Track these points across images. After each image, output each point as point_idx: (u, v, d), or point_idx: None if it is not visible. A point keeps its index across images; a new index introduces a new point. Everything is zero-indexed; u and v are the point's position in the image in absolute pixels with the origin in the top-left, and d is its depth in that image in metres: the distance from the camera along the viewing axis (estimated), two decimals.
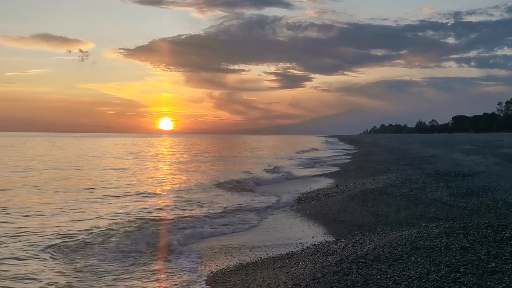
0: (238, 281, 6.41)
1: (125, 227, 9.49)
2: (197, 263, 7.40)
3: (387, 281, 5.23)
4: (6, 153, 41.47)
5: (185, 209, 11.99)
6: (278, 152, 52.04)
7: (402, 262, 5.84)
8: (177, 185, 18.03)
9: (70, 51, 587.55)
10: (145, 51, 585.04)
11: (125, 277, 6.62)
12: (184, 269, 7.02)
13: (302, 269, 6.30)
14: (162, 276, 6.71)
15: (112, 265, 7.14)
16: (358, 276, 5.46)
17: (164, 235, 8.96)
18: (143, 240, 8.51)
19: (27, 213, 11.19)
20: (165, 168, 26.92)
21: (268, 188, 17.85)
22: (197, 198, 14.21)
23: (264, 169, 25.80)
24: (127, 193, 14.90)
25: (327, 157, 40.59)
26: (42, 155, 39.70)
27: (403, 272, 5.46)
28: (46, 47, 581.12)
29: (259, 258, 7.55)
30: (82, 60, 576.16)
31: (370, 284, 5.17)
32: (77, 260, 7.32)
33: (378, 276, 5.39)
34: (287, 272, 6.30)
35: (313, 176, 22.16)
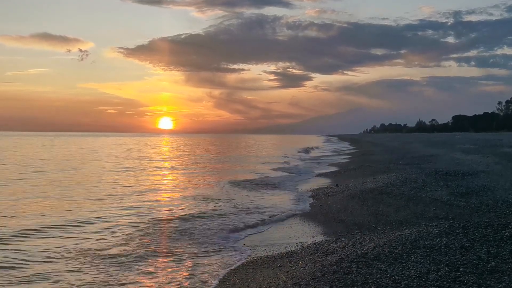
0: (238, 280, 6.41)
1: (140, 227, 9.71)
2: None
3: (387, 280, 5.23)
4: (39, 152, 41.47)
5: (210, 208, 12.18)
6: (280, 151, 52.06)
7: (402, 261, 5.84)
8: (197, 185, 18.13)
9: (69, 51, 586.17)
10: (145, 50, 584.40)
11: (127, 276, 6.63)
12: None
13: (302, 268, 6.30)
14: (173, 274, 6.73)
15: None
16: (358, 275, 5.45)
17: (188, 234, 9.16)
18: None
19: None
20: (181, 169, 26.73)
21: (283, 186, 17.86)
22: (217, 196, 14.33)
23: (272, 168, 26.14)
24: (148, 194, 15.19)
25: (327, 156, 40.60)
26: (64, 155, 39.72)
27: (403, 271, 5.46)
28: (46, 47, 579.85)
29: (258, 257, 7.55)
30: (82, 60, 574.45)
31: (370, 283, 5.17)
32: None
33: (378, 275, 5.39)
34: (287, 272, 6.30)
35: (313, 175, 22.17)
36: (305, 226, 10.19)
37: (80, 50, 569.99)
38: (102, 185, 17.56)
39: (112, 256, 7.52)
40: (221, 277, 6.57)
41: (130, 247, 8.09)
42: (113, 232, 9.24)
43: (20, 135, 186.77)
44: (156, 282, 6.41)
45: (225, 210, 11.89)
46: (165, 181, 19.70)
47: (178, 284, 6.30)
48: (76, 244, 8.31)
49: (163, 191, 16.23)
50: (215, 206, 12.41)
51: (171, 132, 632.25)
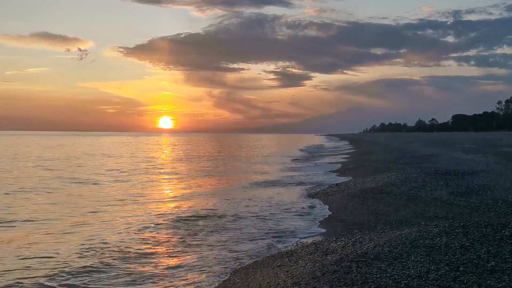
0: (238, 280, 6.41)
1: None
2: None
3: (387, 279, 5.22)
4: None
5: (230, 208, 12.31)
6: (284, 151, 52.11)
7: (402, 261, 5.84)
8: (218, 186, 18.28)
9: (69, 50, 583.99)
10: (145, 49, 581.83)
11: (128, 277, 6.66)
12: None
13: (301, 268, 6.29)
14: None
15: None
16: (358, 275, 5.45)
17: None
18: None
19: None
20: (199, 169, 26.70)
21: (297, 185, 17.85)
22: (236, 196, 14.47)
23: (280, 169, 26.41)
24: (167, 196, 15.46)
25: (327, 156, 40.62)
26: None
27: (403, 271, 5.46)
28: (46, 46, 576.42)
29: (258, 257, 7.55)
30: (81, 59, 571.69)
31: (370, 283, 5.16)
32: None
33: (377, 275, 5.39)
34: (287, 271, 6.29)
35: (314, 175, 22.19)
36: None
37: (80, 50, 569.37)
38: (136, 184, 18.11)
39: (119, 251, 7.60)
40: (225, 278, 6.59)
41: (151, 245, 8.29)
42: (119, 231, 9.41)
43: (20, 134, 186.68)
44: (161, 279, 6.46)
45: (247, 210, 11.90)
46: (187, 183, 19.49)
47: (182, 282, 6.35)
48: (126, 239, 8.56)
49: (189, 192, 16.24)
50: (245, 206, 12.48)
51: (171, 132, 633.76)
